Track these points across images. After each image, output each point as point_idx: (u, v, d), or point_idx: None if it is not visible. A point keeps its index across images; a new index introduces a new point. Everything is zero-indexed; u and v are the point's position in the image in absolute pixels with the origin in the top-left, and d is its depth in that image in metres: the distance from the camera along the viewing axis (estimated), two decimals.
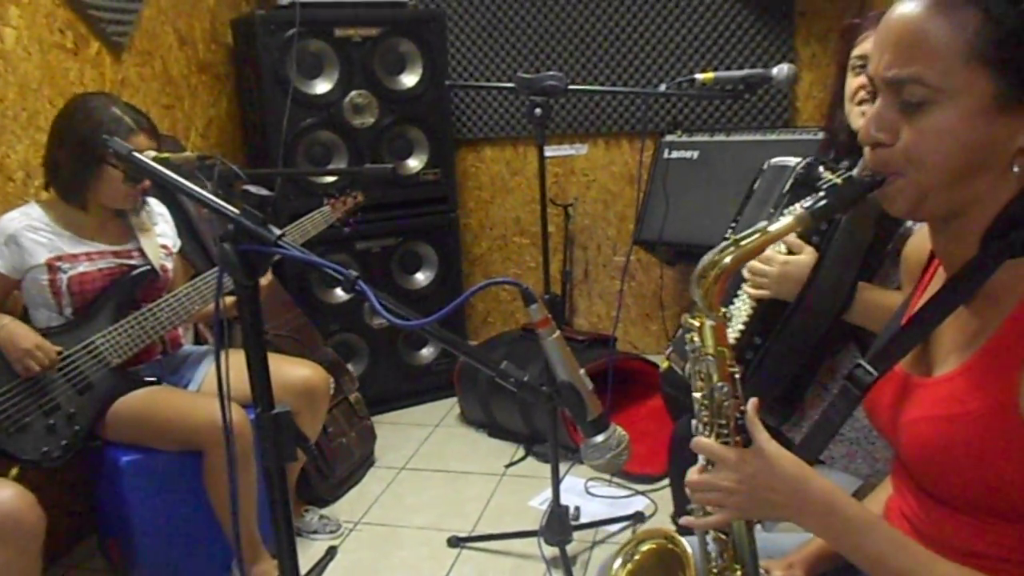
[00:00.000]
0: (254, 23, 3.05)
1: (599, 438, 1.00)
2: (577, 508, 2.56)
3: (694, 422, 1.04)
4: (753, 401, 1.00)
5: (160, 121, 3.00)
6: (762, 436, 0.98)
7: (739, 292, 1.80)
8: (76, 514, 2.51)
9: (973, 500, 0.92)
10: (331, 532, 2.56)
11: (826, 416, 1.11)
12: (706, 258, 0.97)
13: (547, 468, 2.33)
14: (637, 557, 1.18)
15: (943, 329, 0.98)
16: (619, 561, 1.18)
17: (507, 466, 2.98)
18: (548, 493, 2.37)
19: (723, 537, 1.05)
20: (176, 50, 3.10)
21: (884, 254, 1.63)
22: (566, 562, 2.26)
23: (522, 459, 3.02)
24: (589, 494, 2.72)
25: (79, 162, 2.07)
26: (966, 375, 0.92)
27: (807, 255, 1.57)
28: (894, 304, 1.61)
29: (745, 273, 1.69)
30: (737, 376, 1.01)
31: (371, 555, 2.47)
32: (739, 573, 1.05)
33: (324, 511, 2.65)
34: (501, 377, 0.98)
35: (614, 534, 2.50)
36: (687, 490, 1.03)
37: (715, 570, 1.07)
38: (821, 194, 0.95)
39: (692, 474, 1.02)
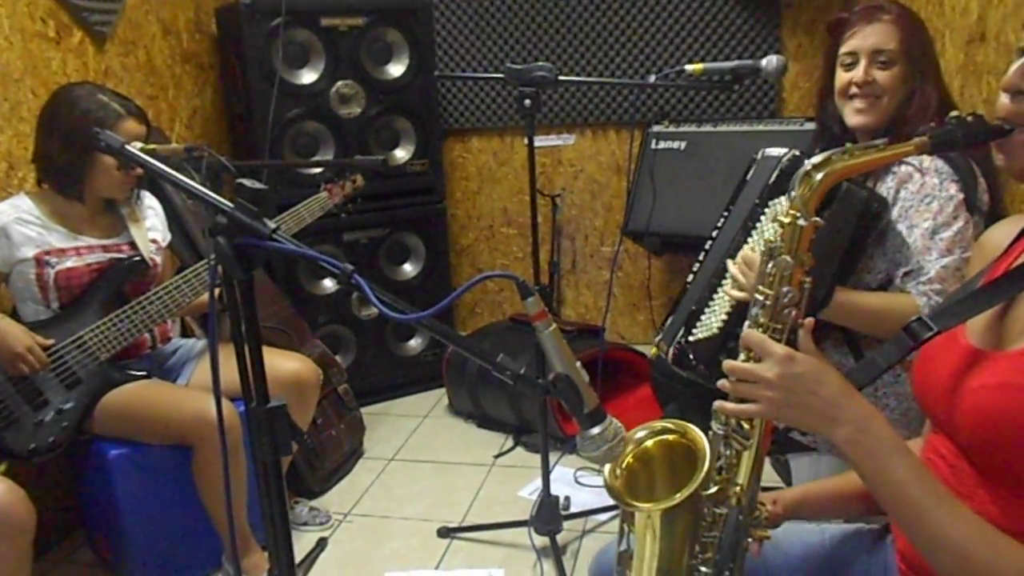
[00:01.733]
0: (239, 12, 3.02)
1: (595, 430, 1.00)
2: (567, 498, 2.58)
3: (747, 322, 1.03)
4: (810, 320, 0.99)
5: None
6: (814, 350, 0.97)
7: (722, 282, 1.81)
8: (65, 508, 2.50)
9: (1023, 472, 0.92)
10: (321, 524, 2.56)
11: (873, 359, 1.11)
12: (818, 157, 0.97)
13: (536, 458, 2.34)
14: (650, 444, 1.15)
15: (1022, 306, 0.97)
16: (642, 433, 1.15)
17: (496, 456, 2.99)
18: (538, 483, 2.39)
19: (744, 442, 1.04)
20: (160, 40, 3.07)
21: (866, 245, 1.65)
22: (556, 551, 2.27)
23: (511, 449, 3.03)
24: (579, 484, 2.73)
25: (71, 153, 2.04)
26: None
27: None
28: (871, 305, 1.62)
29: (731, 267, 1.71)
30: (807, 287, 1.00)
31: (361, 546, 2.47)
32: (738, 488, 1.07)
33: (314, 503, 2.65)
34: (497, 370, 0.98)
35: (604, 523, 2.51)
36: (725, 378, 1.01)
37: (717, 478, 1.08)
38: (948, 126, 0.95)
39: (733, 362, 1.01)
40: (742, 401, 1.01)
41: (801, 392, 0.96)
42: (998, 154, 0.96)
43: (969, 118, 0.95)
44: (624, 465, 1.13)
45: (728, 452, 1.07)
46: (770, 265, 1.00)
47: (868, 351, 1.69)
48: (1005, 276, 0.98)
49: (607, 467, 1.11)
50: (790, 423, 1.00)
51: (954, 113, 0.97)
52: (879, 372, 1.10)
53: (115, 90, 2.19)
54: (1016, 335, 0.97)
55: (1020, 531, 0.92)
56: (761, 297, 1.01)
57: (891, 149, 0.96)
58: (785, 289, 0.98)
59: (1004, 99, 0.94)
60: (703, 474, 1.05)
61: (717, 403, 1.04)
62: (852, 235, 1.59)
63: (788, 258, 0.98)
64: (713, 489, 1.08)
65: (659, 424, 1.15)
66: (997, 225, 1.19)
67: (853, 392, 0.97)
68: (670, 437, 1.14)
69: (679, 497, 1.05)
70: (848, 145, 0.98)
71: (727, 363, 1.01)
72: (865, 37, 1.69)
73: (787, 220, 0.99)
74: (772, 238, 1.01)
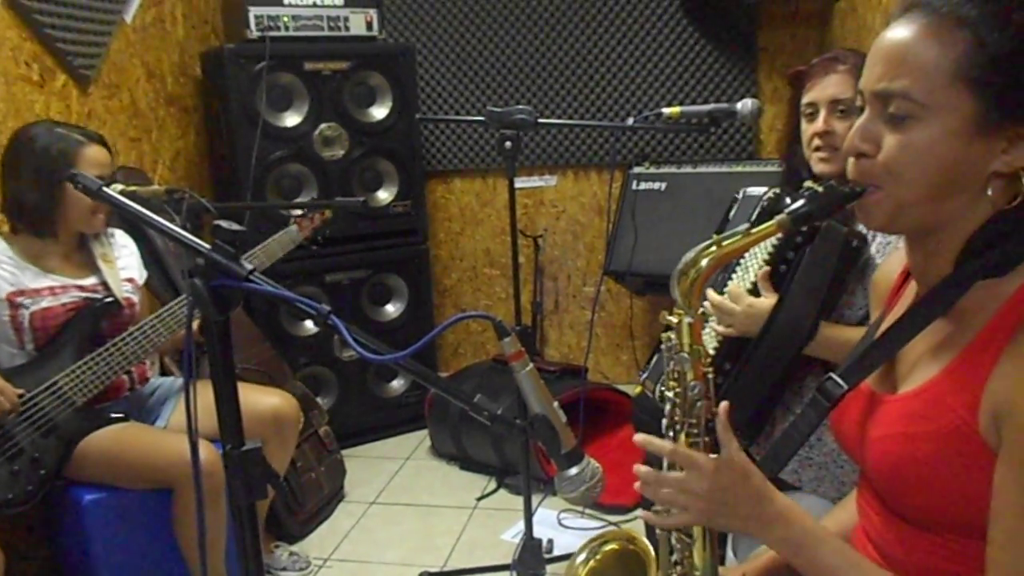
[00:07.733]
0: (223, 56, 3.05)
1: (573, 471, 1.00)
2: (550, 541, 2.55)
3: (663, 421, 1.04)
4: (724, 405, 1.00)
5: (127, 153, 2.98)
6: (733, 445, 0.99)
7: (707, 319, 1.82)
8: (38, 556, 2.44)
9: (936, 517, 0.94)
10: (300, 569, 2.51)
11: (794, 426, 1.12)
12: (688, 256, 0.99)
13: (519, 500, 2.31)
14: (599, 556, 1.19)
15: (910, 346, 1.00)
16: (582, 557, 1.19)
17: (479, 499, 2.96)
18: (521, 526, 2.36)
19: (686, 539, 1.05)
20: (144, 83, 3.09)
21: (847, 279, 1.67)
22: None
23: (494, 491, 3.00)
24: (562, 526, 2.71)
25: (38, 190, 2.04)
26: (930, 392, 0.93)
27: (770, 298, 1.63)
28: (854, 339, 1.64)
29: (710, 295, 1.72)
30: (711, 377, 1.01)
31: None
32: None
33: (293, 547, 2.60)
34: (475, 411, 0.98)
35: None
36: (647, 483, 1.02)
37: (676, 574, 1.07)
38: (802, 200, 0.97)
39: (661, 473, 1.01)
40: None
41: (730, 501, 0.98)
42: (859, 214, 0.97)
43: (820, 189, 0.97)
44: None
45: (679, 546, 1.07)
46: (671, 364, 1.02)
47: None
48: (897, 326, 1.00)
49: None
50: (720, 528, 1.02)
51: (808, 184, 0.99)
52: (802, 439, 1.12)
53: (94, 130, 2.19)
54: (904, 376, 1.00)
55: (959, 572, 0.93)
56: (671, 393, 1.03)
57: (755, 233, 0.97)
58: (692, 383, 1.00)
59: (849, 162, 0.96)
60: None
61: (646, 515, 1.04)
62: (835, 270, 1.61)
63: (685, 354, 1.01)
64: None
65: (600, 537, 1.20)
66: (883, 265, 1.20)
67: (772, 490, 0.99)
68: (616, 546, 1.18)
69: None
70: (714, 236, 1.00)
71: (658, 476, 1.02)
72: (823, 88, 1.73)
73: (675, 320, 1.01)
74: (666, 338, 1.03)
